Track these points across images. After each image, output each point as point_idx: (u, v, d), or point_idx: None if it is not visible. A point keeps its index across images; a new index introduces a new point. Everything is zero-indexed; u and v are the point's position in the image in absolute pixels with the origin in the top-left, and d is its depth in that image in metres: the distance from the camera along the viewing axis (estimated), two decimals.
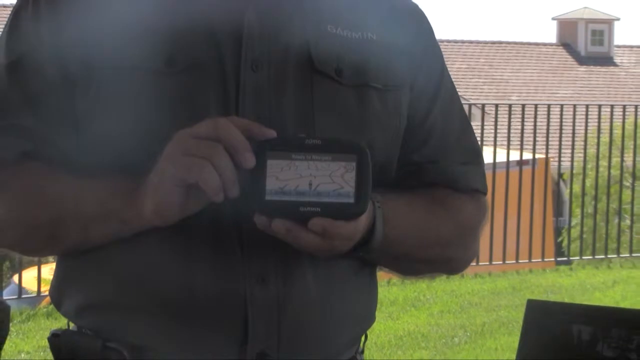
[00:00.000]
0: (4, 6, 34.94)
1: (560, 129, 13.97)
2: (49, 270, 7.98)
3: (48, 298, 3.69)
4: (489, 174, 2.15)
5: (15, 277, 11.69)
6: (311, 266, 1.87)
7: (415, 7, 2.12)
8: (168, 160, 1.73)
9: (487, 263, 11.66)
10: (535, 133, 13.27)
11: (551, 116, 13.82)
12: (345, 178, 1.72)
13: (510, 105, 13.52)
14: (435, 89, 2.09)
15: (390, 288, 9.35)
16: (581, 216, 15.41)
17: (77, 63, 1.87)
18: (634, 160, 15.08)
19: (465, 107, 2.41)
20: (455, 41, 39.29)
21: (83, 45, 1.87)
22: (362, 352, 2.10)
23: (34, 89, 1.90)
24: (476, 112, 13.03)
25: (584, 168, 16.38)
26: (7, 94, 1.92)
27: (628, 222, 14.73)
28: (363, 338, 2.09)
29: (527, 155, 13.30)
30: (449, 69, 2.17)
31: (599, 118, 14.99)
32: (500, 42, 43.55)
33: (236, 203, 1.73)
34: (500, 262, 12.09)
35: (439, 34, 2.16)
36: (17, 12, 1.98)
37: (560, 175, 18.43)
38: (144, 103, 1.84)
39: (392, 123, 1.99)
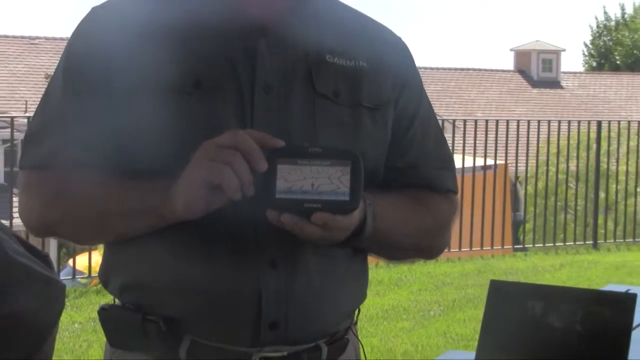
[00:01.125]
0: (55, 38, 34.82)
1: (517, 140, 13.98)
2: (98, 255, 7.98)
3: (97, 279, 3.67)
4: (459, 177, 2.16)
5: (70, 262, 11.69)
6: (313, 253, 1.89)
7: (399, 39, 2.13)
8: (196, 165, 1.75)
9: (457, 250, 11.65)
10: (496, 143, 13.25)
11: (509, 130, 13.80)
12: (342, 180, 1.74)
13: (475, 121, 13.58)
14: (415, 108, 2.09)
15: (378, 270, 9.34)
16: (534, 212, 15.38)
17: (123, 87, 1.87)
18: (577, 166, 15.06)
19: (439, 122, 2.40)
20: (431, 68, 39.22)
21: (127, 71, 1.88)
22: (356, 323, 2.11)
23: (86, 108, 1.90)
24: (448, 126, 12.99)
25: (536, 172, 16.33)
26: (66, 113, 1.93)
27: (571, 216, 14.71)
28: (356, 312, 2.11)
29: (490, 162, 13.27)
30: (426, 91, 2.18)
31: (549, 131, 15.03)
32: (467, 69, 43.53)
33: (251, 201, 1.74)
34: (468, 249, 12.08)
35: (417, 62, 2.16)
36: (70, 45, 1.99)
37: (516, 178, 18.44)
38: (175, 118, 1.85)
39: (380, 135, 2.00)
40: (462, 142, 12.83)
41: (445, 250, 2.26)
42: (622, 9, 59.87)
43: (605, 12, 60.72)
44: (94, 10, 1.99)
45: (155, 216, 1.84)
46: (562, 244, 13.48)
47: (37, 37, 36.51)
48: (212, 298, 1.89)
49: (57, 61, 2.03)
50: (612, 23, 59.66)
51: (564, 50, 46.74)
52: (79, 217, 1.94)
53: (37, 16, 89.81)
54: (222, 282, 1.88)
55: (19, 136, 9.51)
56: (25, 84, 31.00)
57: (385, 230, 1.93)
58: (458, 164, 11.88)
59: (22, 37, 36.93)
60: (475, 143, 12.95)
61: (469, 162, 12.78)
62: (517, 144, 14.17)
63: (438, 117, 2.41)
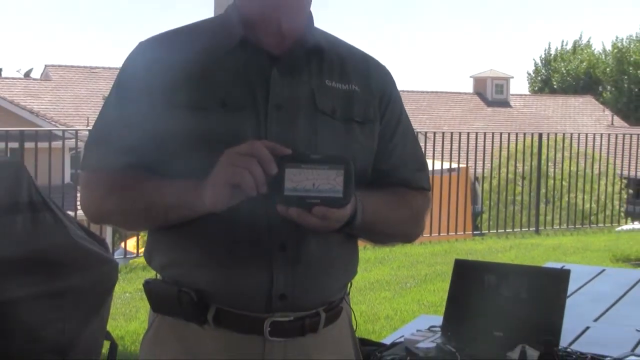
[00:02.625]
0: (110, 68, 34.84)
1: (475, 148, 13.96)
2: (144, 238, 8.03)
3: (143, 258, 3.67)
4: (430, 177, 2.14)
5: (122, 244, 11.72)
6: (314, 238, 1.88)
7: (384, 67, 2.12)
8: (220, 168, 1.74)
9: (429, 235, 11.66)
10: (459, 151, 13.26)
11: (469, 140, 13.82)
12: (337, 180, 1.73)
13: (443, 133, 13.50)
14: (396, 122, 2.09)
15: (365, 251, 9.33)
16: (489, 205, 15.41)
17: (162, 105, 1.87)
18: (523, 169, 15.11)
19: (415, 134, 2.38)
20: (408, 91, 39.23)
21: (166, 93, 1.88)
22: (348, 293, 2.11)
23: (133, 121, 1.90)
24: (421, 137, 13.01)
25: (491, 173, 16.41)
26: (118, 126, 1.93)
27: (519, 208, 14.72)
28: (349, 285, 2.10)
29: (454, 165, 13.28)
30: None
31: (500, 141, 14.96)
32: (436, 92, 43.55)
33: (265, 197, 1.74)
34: (437, 234, 12.09)
35: (398, 86, 2.16)
36: (121, 72, 1.99)
37: (475, 178, 18.41)
38: (205, 130, 1.85)
39: (368, 144, 1.99)
40: (432, 150, 12.87)
41: (420, 235, 2.24)
42: (562, 44, 60.08)
43: (546, 48, 60.79)
44: (140, 44, 1.99)
45: (188, 209, 1.83)
46: (511, 230, 13.49)
47: (96, 67, 36.53)
48: (234, 274, 1.88)
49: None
50: (551, 56, 59.79)
51: (513, 77, 46.92)
52: (128, 209, 1.94)
53: (96, 50, 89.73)
54: (242, 261, 1.88)
55: (82, 145, 9.51)
56: (87, 104, 31.00)
57: (372, 220, 1.92)
58: (430, 167, 11.89)
59: (85, 67, 36.95)
60: (442, 151, 12.94)
61: (438, 166, 12.77)
62: (476, 151, 14.17)
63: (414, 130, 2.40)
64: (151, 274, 2.04)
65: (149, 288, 2.02)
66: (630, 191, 21.60)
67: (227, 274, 1.89)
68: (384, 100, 2.06)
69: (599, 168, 16.26)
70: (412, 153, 2.13)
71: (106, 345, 3.58)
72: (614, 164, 16.80)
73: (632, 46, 54.60)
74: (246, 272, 1.88)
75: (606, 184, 16.22)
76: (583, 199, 15.34)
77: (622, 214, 17.82)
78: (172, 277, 1.95)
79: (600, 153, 16.34)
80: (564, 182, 15.05)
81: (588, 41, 60.39)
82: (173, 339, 1.96)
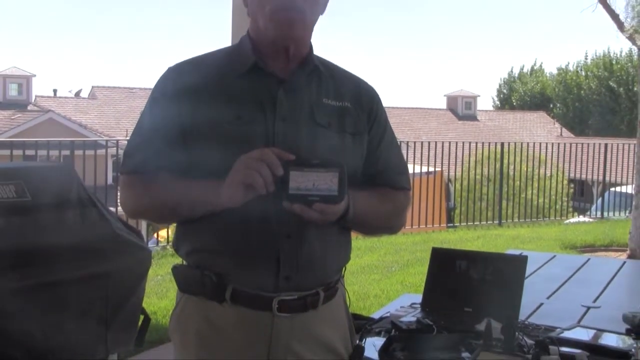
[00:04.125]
0: (146, 88, 34.81)
1: (449, 155, 14.00)
2: (173, 230, 8.01)
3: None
4: (411, 179, 2.15)
5: (155, 235, 11.73)
6: (315, 229, 1.87)
7: (371, 87, 2.12)
8: (235, 171, 1.75)
9: (410, 227, 11.67)
10: (435, 157, 13.27)
11: (444, 148, 13.84)
12: (333, 181, 1.73)
13: (422, 142, 13.50)
14: (382, 133, 2.08)
15: (357, 240, 9.32)
16: (460, 201, 15.40)
17: (188, 119, 1.87)
18: (488, 171, 15.09)
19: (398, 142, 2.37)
20: (393, 107, 39.17)
21: (191, 108, 1.88)
22: (343, 276, 2.11)
23: (165, 132, 1.90)
24: (404, 146, 13.00)
25: (462, 175, 16.39)
26: (151, 136, 1.93)
27: (485, 204, 14.72)
28: (344, 269, 2.10)
29: (431, 169, 13.29)
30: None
31: (469, 149, 15.03)
32: (416, 108, 43.48)
33: (273, 195, 1.74)
34: (417, 227, 12.09)
35: (383, 102, 2.15)
36: (154, 91, 1.99)
37: (449, 179, 18.41)
38: (223, 139, 1.85)
39: (358, 152, 1.99)
40: (412, 156, 12.86)
41: (403, 227, 2.24)
42: (521, 68, 60.19)
43: (509, 72, 60.98)
44: (169, 68, 1.99)
45: (210, 204, 1.83)
46: (478, 222, 13.49)
47: (134, 87, 36.52)
48: (247, 259, 1.89)
49: None
50: (512, 78, 59.88)
51: (479, 95, 46.80)
52: (160, 205, 1.94)
53: (134, 73, 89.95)
54: (254, 248, 1.88)
55: (122, 152, 9.53)
56: (126, 119, 30.98)
57: (362, 214, 1.92)
58: (410, 170, 11.89)
59: (125, 87, 36.94)
60: (421, 157, 12.93)
61: (417, 170, 12.78)
62: (449, 157, 14.20)
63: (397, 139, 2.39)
64: (178, 260, 2.04)
65: (177, 272, 2.02)
66: (576, 188, 21.60)
67: (241, 259, 1.89)
68: (371, 115, 2.05)
69: (550, 171, 16.30)
70: (395, 159, 2.13)
71: (141, 318, 3.57)
72: (562, 168, 16.84)
73: (578, 70, 54.70)
74: (257, 257, 1.88)
75: (556, 184, 16.23)
76: (537, 195, 15.35)
77: (570, 209, 17.83)
78: (196, 262, 1.95)
79: (552, 158, 16.38)
80: (521, 182, 15.06)
81: (540, 66, 60.47)
82: (197, 314, 1.96)
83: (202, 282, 1.92)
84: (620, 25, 9.77)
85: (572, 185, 19.39)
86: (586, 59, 54.77)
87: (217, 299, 1.91)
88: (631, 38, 9.74)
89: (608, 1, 9.81)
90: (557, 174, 16.53)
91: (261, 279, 1.89)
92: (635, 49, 10.08)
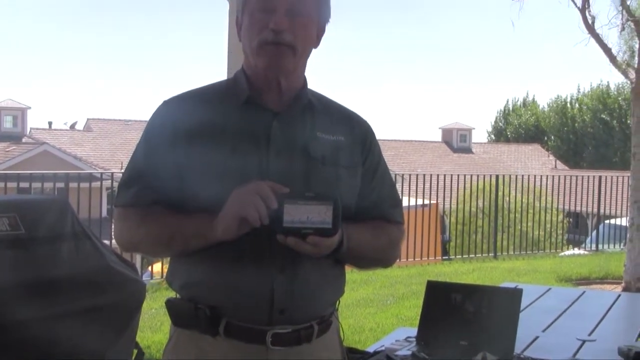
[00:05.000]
0: (141, 121, 34.87)
1: (444, 187, 14.03)
2: (167, 264, 8.00)
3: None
4: (406, 211, 2.16)
5: (149, 268, 11.70)
6: (308, 262, 1.87)
7: (365, 121, 2.13)
8: (230, 204, 1.76)
9: (405, 260, 11.65)
10: (430, 189, 13.30)
11: (439, 180, 13.86)
12: (327, 214, 1.74)
13: (417, 175, 13.54)
14: (376, 166, 2.09)
15: (352, 274, 9.23)
16: (455, 234, 15.40)
17: (183, 153, 1.88)
18: (483, 204, 15.12)
19: (392, 175, 2.38)
20: (388, 140, 39.34)
21: (186, 142, 1.89)
22: (337, 309, 2.09)
23: (159, 165, 1.90)
24: (399, 178, 13.02)
25: (457, 208, 16.40)
26: (145, 169, 1.93)
27: (480, 236, 14.71)
28: (337, 302, 2.09)
29: (426, 202, 13.30)
30: (383, 155, 2.18)
31: (464, 181, 15.04)
32: (411, 140, 43.68)
33: (267, 228, 1.74)
34: (412, 259, 12.06)
35: (378, 135, 2.16)
36: (149, 124, 2.00)
37: (444, 212, 18.43)
38: (217, 173, 1.86)
39: (352, 185, 2.00)
40: (408, 189, 12.88)
41: (397, 260, 2.24)
42: (514, 100, 60.62)
43: (505, 105, 61.32)
44: (165, 102, 2.00)
45: (204, 238, 1.83)
46: (473, 255, 13.49)
47: (129, 120, 36.63)
48: (241, 293, 1.88)
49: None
50: (507, 111, 60.24)
51: (474, 128, 47.18)
52: (155, 239, 1.94)
53: (129, 105, 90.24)
54: (248, 281, 1.87)
55: (117, 185, 9.55)
56: (121, 151, 31.02)
57: (356, 248, 1.92)
58: (406, 203, 11.94)
59: (120, 120, 37.09)
60: (416, 189, 12.97)
61: (412, 202, 12.79)
62: (444, 190, 14.23)
63: (391, 172, 2.40)
64: (172, 293, 2.04)
65: (170, 305, 2.01)
66: (571, 221, 21.63)
67: (235, 292, 1.88)
68: (365, 148, 2.06)
69: (545, 203, 16.31)
70: (389, 192, 2.13)
71: (135, 353, 3.55)
72: (557, 200, 16.87)
73: (572, 103, 55.03)
74: (251, 290, 1.88)
75: (551, 216, 16.25)
76: (533, 228, 15.35)
77: (565, 242, 17.84)
78: (189, 296, 1.94)
79: (546, 191, 16.41)
80: (516, 215, 15.08)
81: (534, 98, 60.89)
82: (190, 348, 1.95)
83: (195, 316, 1.91)
84: (613, 59, 9.84)
85: (568, 218, 19.42)
86: (578, 91, 55.14)
87: (210, 333, 1.90)
88: (623, 72, 9.81)
89: (600, 35, 9.89)
90: (551, 206, 16.56)
91: (255, 313, 1.88)
92: (627, 82, 10.13)
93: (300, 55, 1.95)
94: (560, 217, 17.60)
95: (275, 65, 1.91)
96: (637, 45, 9.83)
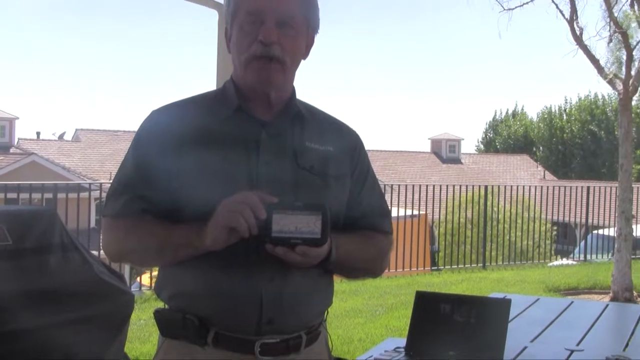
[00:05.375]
0: (130, 131, 34.80)
1: (433, 198, 14.02)
2: (155, 274, 7.98)
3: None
4: (395, 222, 2.16)
5: (138, 279, 11.68)
6: (297, 272, 1.87)
7: (354, 131, 2.14)
8: (219, 214, 1.76)
9: (395, 270, 11.66)
10: (419, 200, 13.30)
11: (428, 191, 13.88)
12: (315, 224, 1.74)
13: (406, 185, 13.56)
14: (364, 176, 2.10)
15: (342, 284, 9.29)
16: (444, 244, 15.41)
17: (172, 162, 1.88)
18: (472, 214, 15.13)
19: (382, 186, 2.40)
20: (377, 150, 39.43)
21: (175, 152, 1.89)
22: (325, 320, 2.09)
23: (148, 175, 1.91)
24: (388, 189, 13.05)
25: (446, 218, 16.43)
26: (134, 179, 1.93)
27: (469, 247, 14.72)
28: (326, 312, 2.09)
29: (415, 212, 13.32)
30: (372, 166, 2.18)
31: (453, 192, 15.05)
32: (401, 151, 43.74)
33: (256, 238, 1.75)
34: (402, 270, 12.08)
35: (367, 146, 2.17)
36: (137, 134, 2.00)
37: (433, 222, 18.45)
38: (207, 183, 1.86)
39: (341, 195, 2.00)
40: (397, 199, 12.89)
41: (386, 270, 2.24)
42: (500, 112, 60.89)
43: (494, 116, 61.62)
44: (153, 112, 2.01)
45: (193, 248, 1.83)
46: (462, 265, 13.49)
47: (118, 130, 36.59)
48: (230, 303, 1.88)
49: None
50: (496, 121, 60.46)
51: (463, 139, 47.21)
52: (143, 249, 1.94)
53: (118, 116, 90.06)
54: (236, 291, 1.87)
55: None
56: (110, 162, 31.00)
57: (344, 258, 1.93)
58: (395, 213, 11.97)
59: (109, 130, 37.02)
60: (406, 200, 12.96)
61: (402, 213, 12.81)
62: (433, 200, 14.22)
63: (381, 182, 2.41)
64: (161, 304, 2.03)
65: (159, 316, 2.01)
66: (557, 230, 21.69)
67: (224, 302, 1.88)
68: (354, 158, 2.07)
69: (534, 213, 16.35)
70: (377, 203, 2.14)
71: None
72: (546, 211, 16.91)
73: (561, 113, 55.27)
74: (240, 300, 1.88)
75: (540, 227, 16.30)
76: (521, 237, 15.39)
77: (553, 252, 17.89)
78: (178, 306, 1.94)
79: (535, 201, 16.44)
80: (505, 225, 15.11)
81: (522, 109, 61.23)
82: (179, 358, 1.94)
83: (184, 326, 1.90)
84: (601, 70, 9.89)
85: (555, 228, 19.47)
86: (566, 102, 55.41)
87: (199, 343, 1.90)
88: (611, 82, 9.86)
89: (588, 46, 9.94)
90: (540, 217, 16.60)
91: (243, 322, 1.88)
92: (615, 93, 10.18)
93: (290, 69, 1.96)
94: (549, 227, 17.66)
95: (265, 80, 1.92)
96: (624, 57, 9.88)
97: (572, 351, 3.24)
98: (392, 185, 13.64)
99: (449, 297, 3.10)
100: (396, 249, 11.57)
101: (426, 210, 14.10)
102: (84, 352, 3.20)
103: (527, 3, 10.31)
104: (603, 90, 58.90)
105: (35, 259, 3.12)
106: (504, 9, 10.47)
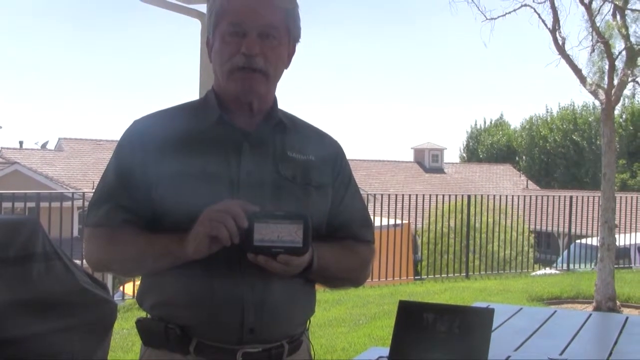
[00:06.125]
0: (112, 140, 34.67)
1: (416, 207, 14.07)
2: (138, 283, 7.96)
3: None
4: (377, 231, 2.17)
5: (121, 288, 11.64)
6: (279, 281, 1.87)
7: (336, 141, 2.15)
8: (201, 223, 1.77)
9: (377, 280, 11.67)
10: (402, 209, 13.31)
11: (411, 200, 13.91)
12: (297, 233, 1.75)
13: (389, 195, 13.57)
14: (346, 186, 2.11)
15: (325, 293, 9.28)
16: (427, 254, 15.44)
17: (153, 172, 1.89)
18: (455, 224, 15.16)
19: (364, 195, 2.41)
20: (360, 160, 39.48)
21: (156, 161, 1.89)
22: (308, 329, 2.10)
23: (129, 185, 1.91)
24: (371, 198, 13.04)
25: (429, 228, 16.46)
26: (116, 188, 1.93)
27: (451, 256, 14.74)
28: (308, 321, 2.09)
29: (398, 221, 13.34)
30: (355, 175, 2.19)
31: (436, 201, 15.08)
32: (383, 160, 43.83)
33: (237, 247, 1.75)
34: (384, 279, 12.09)
35: (349, 155, 2.17)
36: (119, 144, 1.99)
37: (416, 231, 18.49)
38: (189, 193, 1.86)
39: (323, 204, 2.01)
40: (380, 208, 12.89)
41: (368, 280, 2.24)
42: (483, 121, 61.09)
43: (473, 125, 61.78)
44: (135, 121, 2.01)
45: (174, 257, 1.83)
46: (445, 275, 13.51)
47: (101, 140, 36.48)
48: (211, 312, 1.88)
49: None
50: (478, 130, 60.67)
51: (446, 148, 47.37)
52: (124, 258, 1.94)
53: (101, 125, 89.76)
54: (218, 301, 1.87)
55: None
56: (93, 171, 30.89)
57: (326, 267, 1.93)
58: (378, 222, 11.98)
59: (92, 139, 36.91)
60: (389, 209, 12.97)
61: (385, 222, 12.81)
62: (416, 210, 14.28)
63: (363, 192, 2.42)
64: (143, 313, 2.03)
65: (141, 325, 2.01)
66: (536, 241, 21.77)
67: (205, 312, 1.88)
68: (335, 168, 2.08)
69: (517, 223, 16.41)
70: (359, 212, 2.15)
71: None
72: (529, 220, 16.98)
73: (543, 123, 55.53)
74: (222, 309, 1.88)
75: (522, 236, 16.35)
76: (504, 247, 15.44)
77: (531, 260, 17.93)
78: (160, 315, 1.94)
79: (518, 211, 16.51)
80: (488, 235, 15.16)
81: (502, 118, 61.43)
82: None
83: (165, 335, 1.91)
84: (583, 80, 9.96)
85: (533, 236, 19.53)
86: (547, 112, 55.73)
87: (181, 352, 1.90)
88: (593, 92, 9.92)
89: (571, 56, 10.00)
90: (523, 226, 16.65)
91: (225, 331, 1.88)
92: (597, 103, 10.24)
93: (273, 79, 1.97)
94: (527, 236, 17.70)
95: (249, 89, 1.93)
96: (606, 67, 9.95)
97: None
98: (375, 194, 13.64)
99: (432, 307, 3.10)
100: (379, 258, 11.60)
101: (409, 220, 14.13)
102: None
103: (509, 13, 10.35)
104: (586, 99, 59.29)
105: (18, 268, 3.10)
106: (487, 19, 10.52)
